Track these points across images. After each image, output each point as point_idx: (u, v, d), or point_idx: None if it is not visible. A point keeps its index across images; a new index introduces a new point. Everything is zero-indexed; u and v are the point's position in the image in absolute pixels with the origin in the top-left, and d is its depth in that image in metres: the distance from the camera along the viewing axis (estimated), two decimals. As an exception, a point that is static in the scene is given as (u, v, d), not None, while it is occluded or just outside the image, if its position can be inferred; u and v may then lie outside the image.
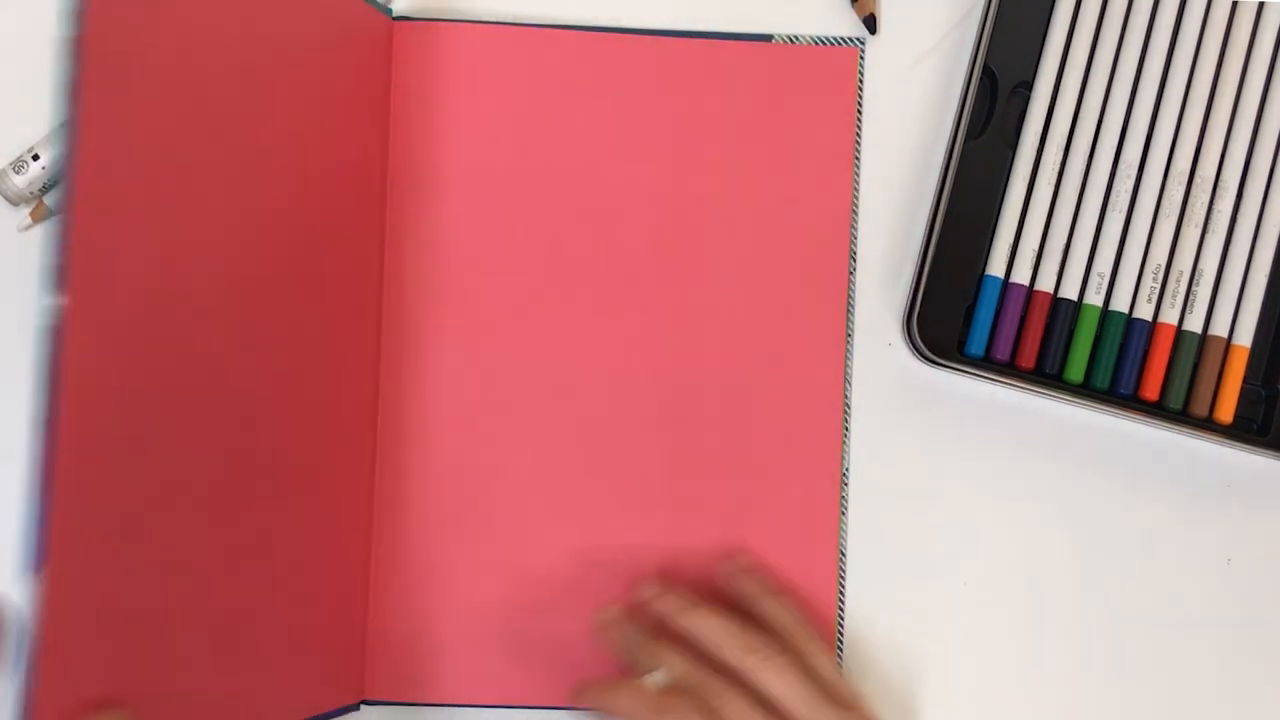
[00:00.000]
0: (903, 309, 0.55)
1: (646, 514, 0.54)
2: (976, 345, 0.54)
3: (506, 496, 0.54)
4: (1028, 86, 0.55)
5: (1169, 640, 0.55)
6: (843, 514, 0.55)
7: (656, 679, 0.49)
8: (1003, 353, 0.54)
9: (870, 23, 0.56)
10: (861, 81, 0.56)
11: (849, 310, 0.55)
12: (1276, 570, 0.56)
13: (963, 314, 0.55)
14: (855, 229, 0.56)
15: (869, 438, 0.55)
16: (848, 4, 0.57)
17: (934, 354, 0.54)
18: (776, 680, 0.48)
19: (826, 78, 0.56)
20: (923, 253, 0.55)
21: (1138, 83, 0.55)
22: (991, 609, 0.55)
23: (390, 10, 0.55)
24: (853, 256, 0.56)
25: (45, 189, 0.54)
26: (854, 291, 0.56)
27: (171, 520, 0.46)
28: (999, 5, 0.55)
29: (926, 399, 0.56)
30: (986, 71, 0.55)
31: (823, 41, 0.56)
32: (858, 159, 0.56)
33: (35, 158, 0.54)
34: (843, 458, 0.55)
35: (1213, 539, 0.56)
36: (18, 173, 0.54)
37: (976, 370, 0.54)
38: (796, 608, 0.52)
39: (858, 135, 0.56)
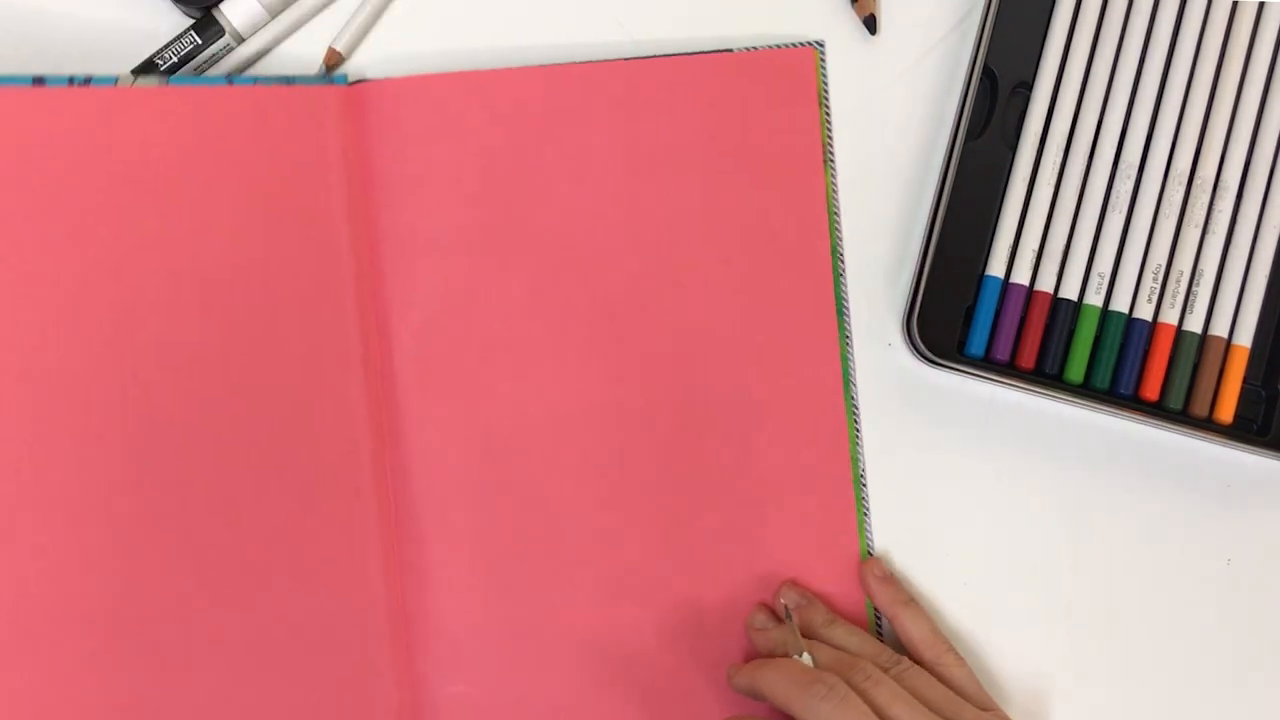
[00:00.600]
0: (903, 309, 0.55)
1: (669, 542, 0.54)
2: (976, 345, 0.54)
3: (529, 551, 0.53)
4: (1028, 86, 0.55)
5: (1169, 640, 0.55)
6: (865, 514, 0.55)
7: (805, 660, 0.49)
8: (1003, 353, 0.54)
9: (870, 23, 0.56)
10: (825, 81, 0.56)
11: (842, 311, 0.55)
12: (1276, 570, 0.56)
13: (963, 314, 0.55)
14: (838, 229, 0.56)
15: (869, 438, 0.55)
16: (848, 4, 0.57)
17: (934, 354, 0.54)
18: (918, 683, 0.49)
19: (787, 82, 0.55)
20: (923, 253, 0.55)
21: (1138, 83, 0.55)
22: (991, 609, 0.55)
23: (344, 78, 0.54)
24: (840, 257, 0.56)
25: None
26: (845, 291, 0.56)
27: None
28: (999, 5, 0.55)
29: (926, 399, 0.56)
30: (986, 71, 0.55)
31: (782, 46, 0.56)
32: (831, 159, 0.56)
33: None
34: (857, 459, 0.55)
35: (1213, 539, 0.56)
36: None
37: (976, 370, 0.54)
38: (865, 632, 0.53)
39: (828, 134, 0.56)
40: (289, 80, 0.53)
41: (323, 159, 0.53)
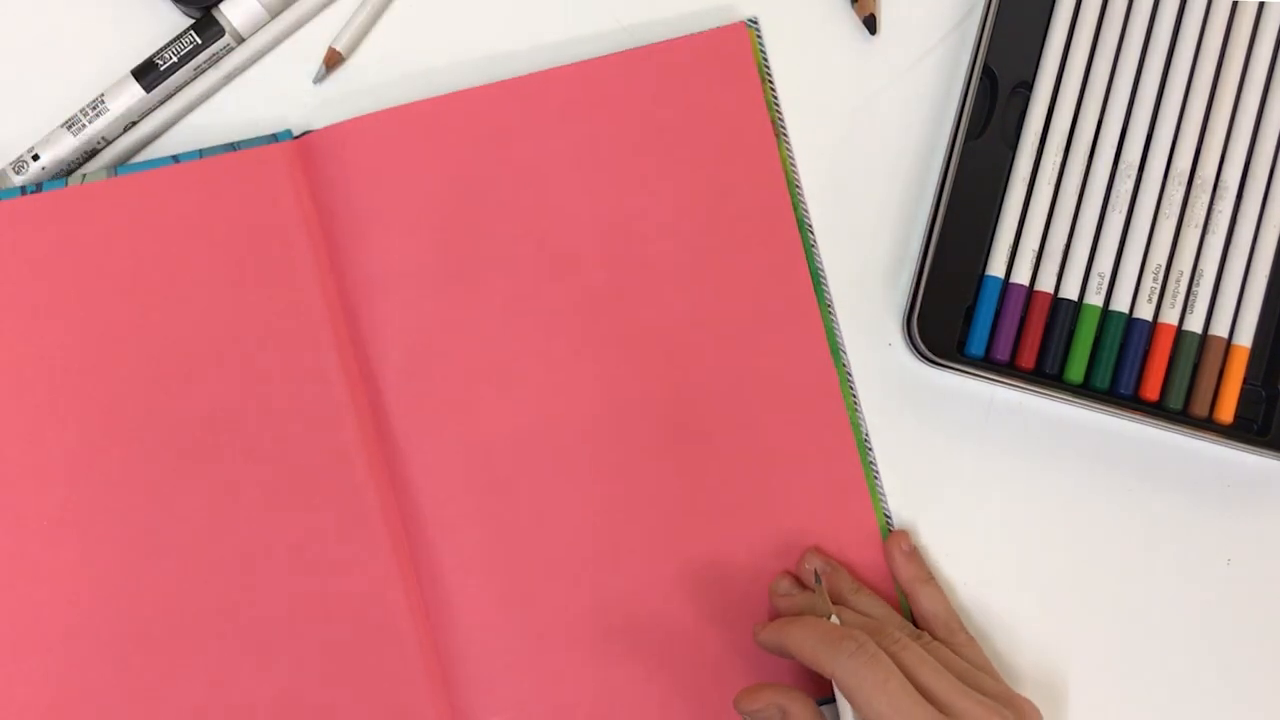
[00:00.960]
0: (903, 309, 0.55)
1: (682, 529, 0.54)
2: (976, 345, 0.54)
3: (545, 562, 0.53)
4: (1028, 86, 0.55)
5: (1169, 640, 0.55)
6: (876, 481, 0.55)
7: (833, 620, 0.49)
8: (1003, 353, 0.54)
9: (870, 23, 0.56)
10: (765, 55, 0.56)
11: (818, 279, 0.55)
12: (1276, 570, 0.56)
13: (963, 314, 0.55)
14: (802, 200, 0.56)
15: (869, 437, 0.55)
16: (848, 4, 0.57)
17: (934, 354, 0.54)
18: (940, 655, 0.50)
19: (724, 61, 0.55)
20: (923, 253, 0.55)
21: (1138, 83, 0.55)
22: (991, 608, 0.55)
23: (288, 133, 0.54)
24: (810, 228, 0.55)
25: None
26: (820, 259, 0.56)
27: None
28: (999, 5, 0.55)
29: (926, 399, 0.56)
30: (986, 71, 0.55)
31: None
32: (783, 131, 0.56)
33: (35, 158, 0.54)
34: (859, 426, 0.55)
35: (1213, 539, 0.56)
36: (18, 173, 0.53)
37: (976, 370, 0.54)
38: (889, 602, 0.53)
39: (776, 106, 0.56)
40: (234, 146, 0.53)
41: (280, 217, 0.53)
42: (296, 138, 0.54)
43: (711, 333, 0.54)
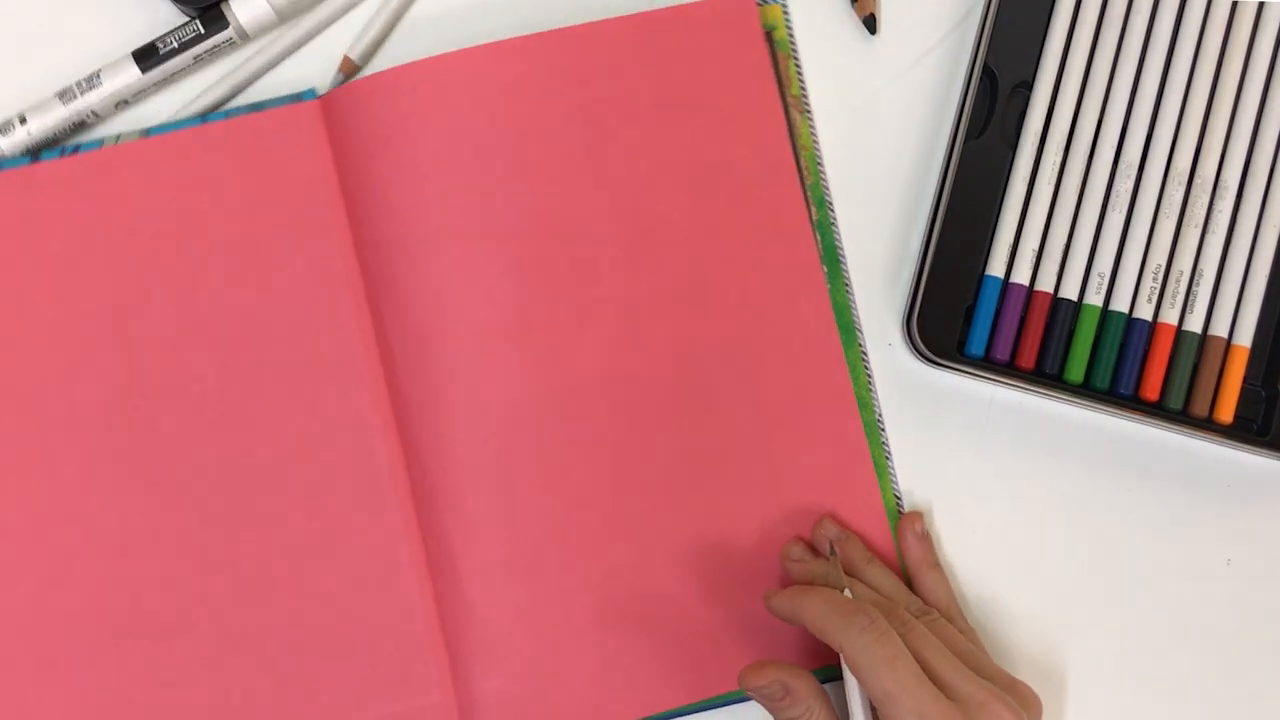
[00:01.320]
0: (903, 309, 0.55)
1: (689, 498, 0.54)
2: (976, 345, 0.54)
3: (551, 529, 0.53)
4: (1028, 86, 0.55)
5: (1169, 640, 0.55)
6: (888, 458, 0.55)
7: (845, 594, 0.49)
8: (1003, 353, 0.54)
9: (870, 23, 0.57)
10: (791, 30, 0.56)
11: (834, 250, 0.55)
12: (1276, 570, 0.55)
13: (963, 314, 0.55)
14: (822, 172, 0.56)
15: (868, 437, 0.55)
16: (848, 4, 0.57)
17: (934, 354, 0.54)
18: (944, 633, 0.49)
19: (730, 30, 0.55)
20: (923, 253, 0.55)
21: (1138, 82, 0.55)
22: (990, 609, 0.55)
23: (312, 92, 0.54)
24: (829, 205, 0.56)
25: (31, 152, 0.54)
26: (839, 234, 0.56)
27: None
28: (999, 5, 0.55)
29: (926, 399, 0.56)
30: (986, 71, 0.55)
31: None
32: (806, 106, 0.56)
33: (23, 120, 0.54)
34: (870, 402, 0.55)
35: (1213, 539, 0.56)
36: (3, 134, 0.53)
37: (976, 370, 0.54)
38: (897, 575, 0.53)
39: (800, 82, 0.56)
40: (259, 106, 0.54)
41: (304, 175, 0.54)
42: (319, 97, 0.55)
43: (718, 299, 0.54)
